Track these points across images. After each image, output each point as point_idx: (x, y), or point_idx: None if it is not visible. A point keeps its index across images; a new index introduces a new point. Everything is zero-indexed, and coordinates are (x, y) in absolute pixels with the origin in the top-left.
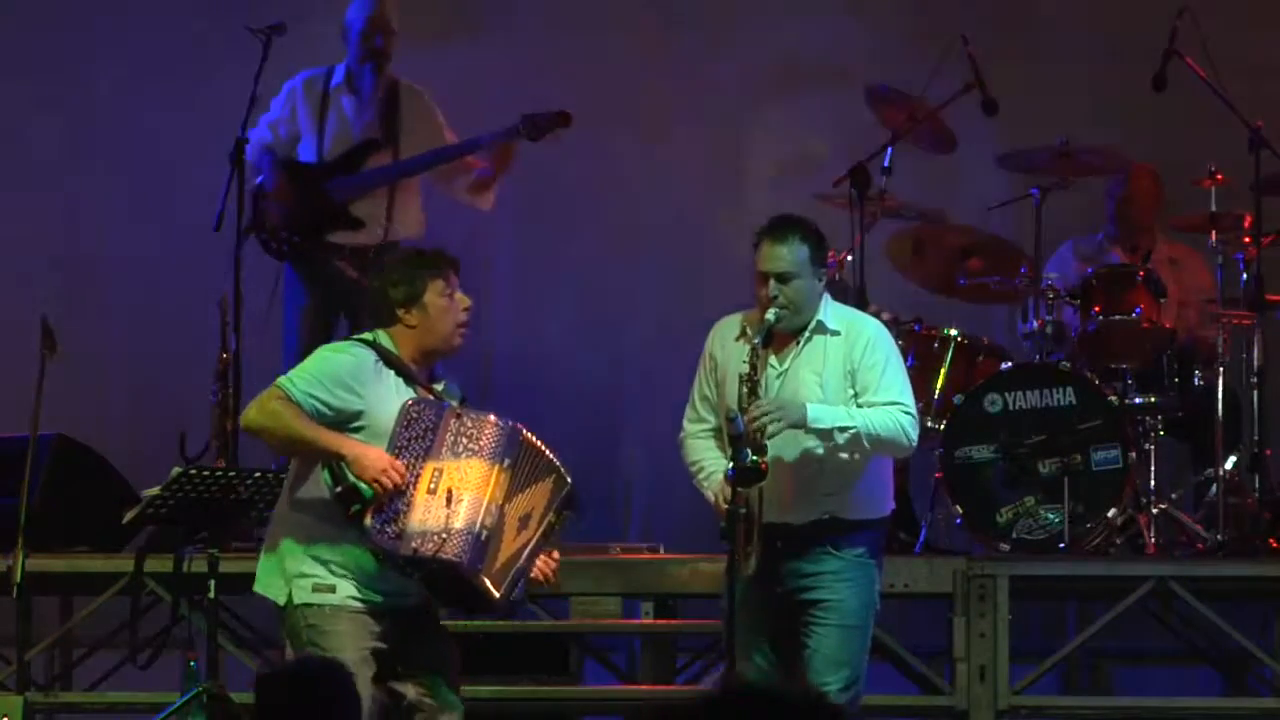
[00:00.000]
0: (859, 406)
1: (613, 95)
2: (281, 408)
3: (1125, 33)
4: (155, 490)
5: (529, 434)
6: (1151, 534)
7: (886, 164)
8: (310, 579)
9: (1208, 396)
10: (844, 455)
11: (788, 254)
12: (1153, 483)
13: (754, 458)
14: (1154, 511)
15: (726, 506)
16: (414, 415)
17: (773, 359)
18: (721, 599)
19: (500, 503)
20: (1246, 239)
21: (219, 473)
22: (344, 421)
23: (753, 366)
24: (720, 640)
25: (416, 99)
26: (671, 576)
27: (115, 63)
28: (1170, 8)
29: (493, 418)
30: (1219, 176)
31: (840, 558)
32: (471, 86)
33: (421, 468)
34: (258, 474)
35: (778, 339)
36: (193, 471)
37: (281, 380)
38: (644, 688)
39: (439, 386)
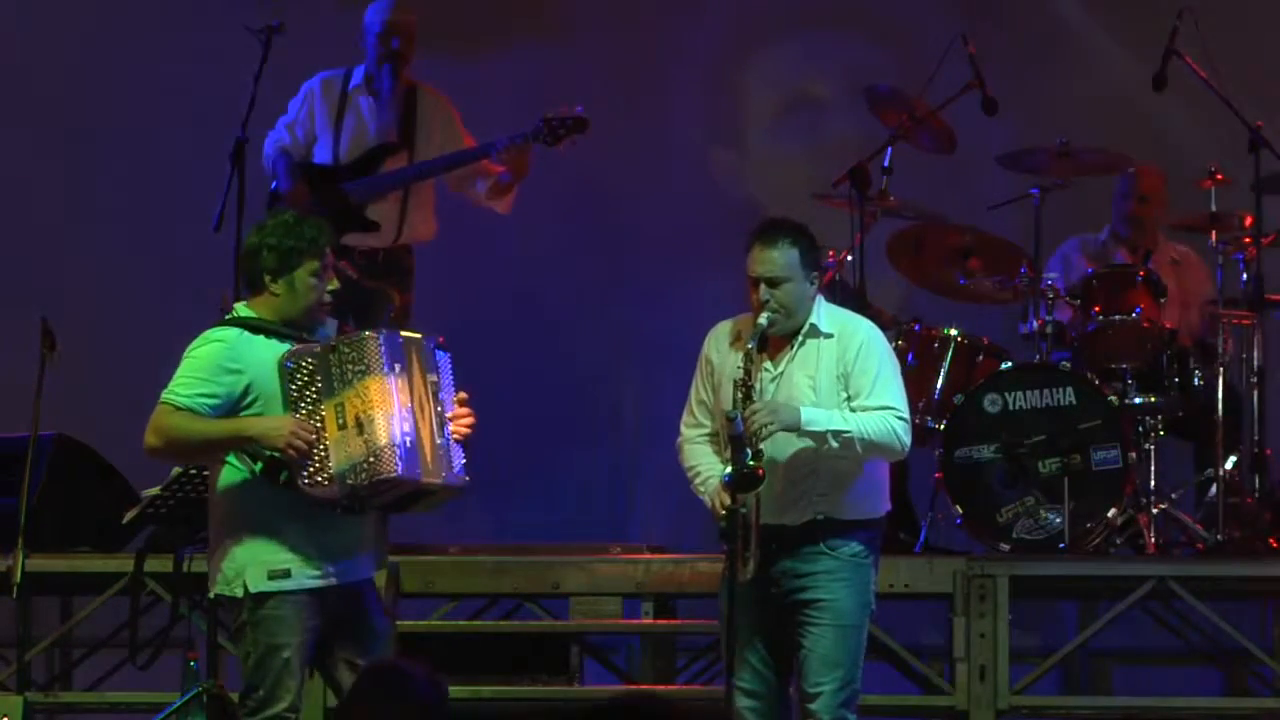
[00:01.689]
0: (852, 410)
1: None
2: (174, 420)
3: (1125, 33)
4: (155, 490)
5: (406, 333)
6: (1151, 534)
7: (886, 164)
8: (265, 565)
9: (1208, 396)
10: (838, 457)
11: (778, 258)
12: (1153, 483)
13: (751, 462)
14: (1154, 511)
15: (723, 511)
16: (293, 366)
17: (767, 363)
18: (719, 602)
19: (408, 405)
20: (1246, 239)
21: None
22: (237, 404)
23: (747, 370)
24: (719, 641)
25: (434, 102)
26: (671, 576)
27: (115, 63)
28: (1170, 8)
29: (369, 334)
30: (1219, 176)
31: (835, 558)
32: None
33: (324, 410)
34: None
35: (772, 342)
36: (193, 471)
37: (165, 395)
38: (644, 688)
39: (323, 333)
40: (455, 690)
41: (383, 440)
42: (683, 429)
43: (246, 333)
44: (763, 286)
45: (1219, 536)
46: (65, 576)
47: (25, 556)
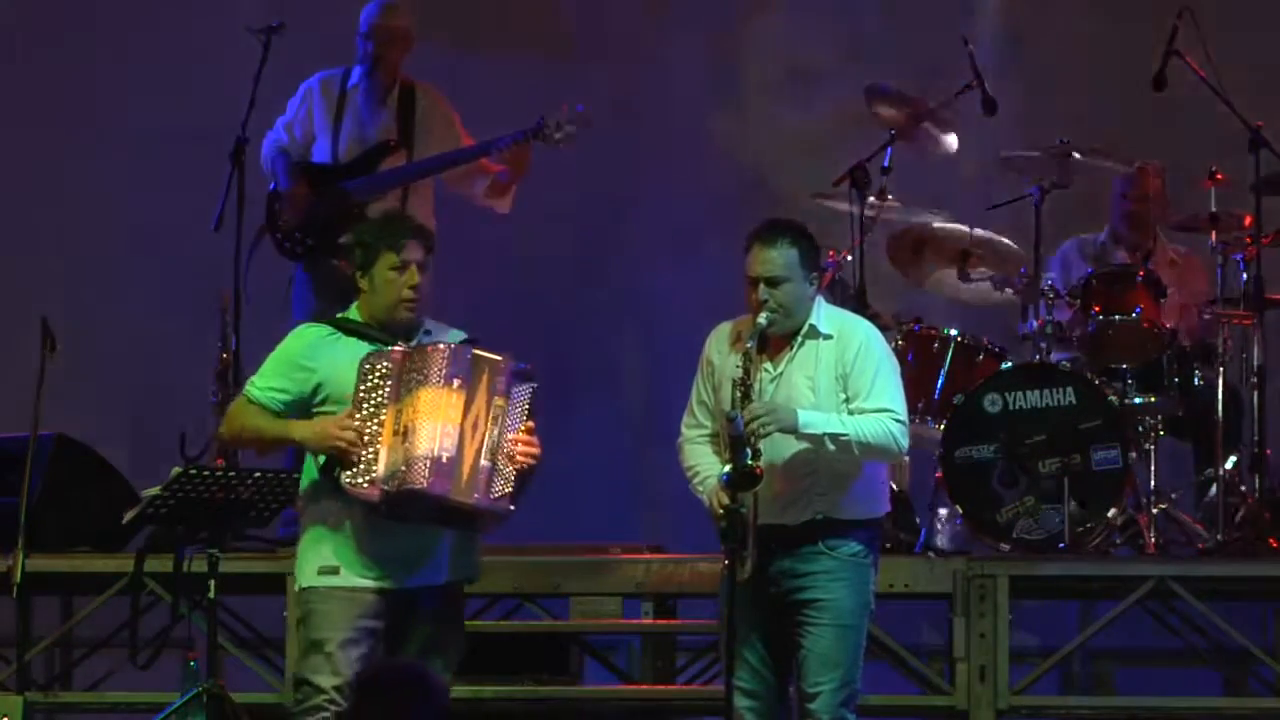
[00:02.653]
0: (850, 412)
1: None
2: (240, 411)
3: (1125, 33)
4: (155, 490)
5: (479, 350)
6: (1151, 534)
7: (886, 164)
8: (315, 562)
9: (1208, 396)
10: (836, 458)
11: (777, 257)
12: (1153, 483)
13: (749, 462)
14: (1154, 511)
15: (721, 510)
16: (367, 368)
17: (767, 364)
18: (719, 602)
19: (458, 421)
20: (1247, 239)
21: (219, 473)
22: (309, 399)
23: (746, 370)
24: (719, 641)
25: (433, 101)
26: (671, 576)
27: (115, 63)
28: (1170, 8)
29: (440, 345)
30: (1219, 176)
31: (834, 557)
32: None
33: (385, 415)
34: (258, 474)
35: (772, 343)
36: (193, 471)
37: (246, 386)
38: (644, 687)
39: (425, 339)
40: (455, 690)
41: (419, 451)
42: (683, 429)
43: (337, 332)
44: (762, 286)
45: (1219, 536)
46: (65, 576)
47: (25, 556)
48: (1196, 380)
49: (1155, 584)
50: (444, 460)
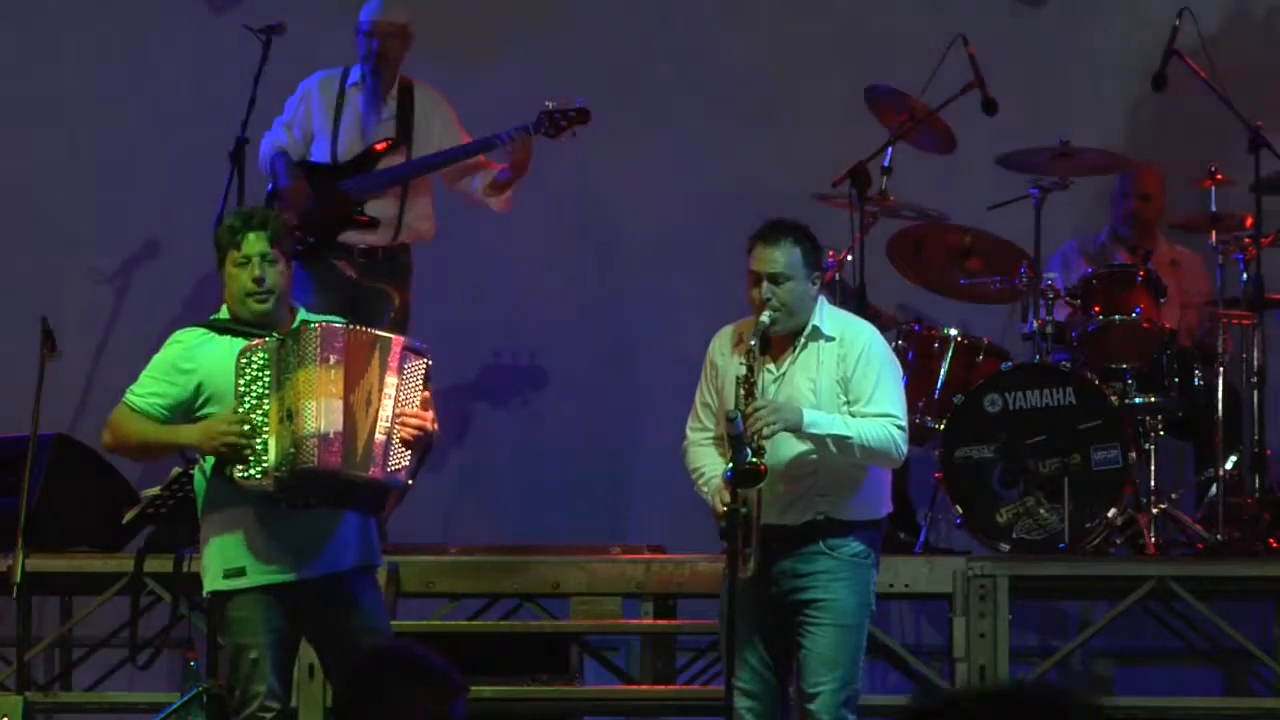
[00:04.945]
0: (851, 415)
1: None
2: (123, 421)
3: (1125, 33)
4: (155, 490)
5: (354, 325)
6: (1151, 534)
7: (886, 164)
8: (220, 564)
9: (1208, 396)
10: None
11: (780, 256)
12: (1153, 483)
13: (753, 459)
14: (1154, 511)
15: (724, 509)
16: (244, 361)
17: (770, 364)
18: (720, 601)
19: (341, 396)
20: (1247, 239)
21: None
22: (191, 401)
23: (750, 368)
24: (719, 641)
25: (431, 99)
26: (671, 576)
27: (115, 62)
28: (1170, 8)
29: (313, 325)
30: (1219, 176)
31: (835, 558)
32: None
33: (269, 403)
34: None
35: (775, 343)
36: (193, 471)
37: (125, 394)
38: (644, 688)
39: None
40: None
41: (305, 430)
42: (688, 432)
43: (210, 332)
44: (765, 284)
45: (1219, 536)
46: (65, 576)
47: (25, 556)
48: (1196, 380)
49: (1155, 584)
50: (331, 436)
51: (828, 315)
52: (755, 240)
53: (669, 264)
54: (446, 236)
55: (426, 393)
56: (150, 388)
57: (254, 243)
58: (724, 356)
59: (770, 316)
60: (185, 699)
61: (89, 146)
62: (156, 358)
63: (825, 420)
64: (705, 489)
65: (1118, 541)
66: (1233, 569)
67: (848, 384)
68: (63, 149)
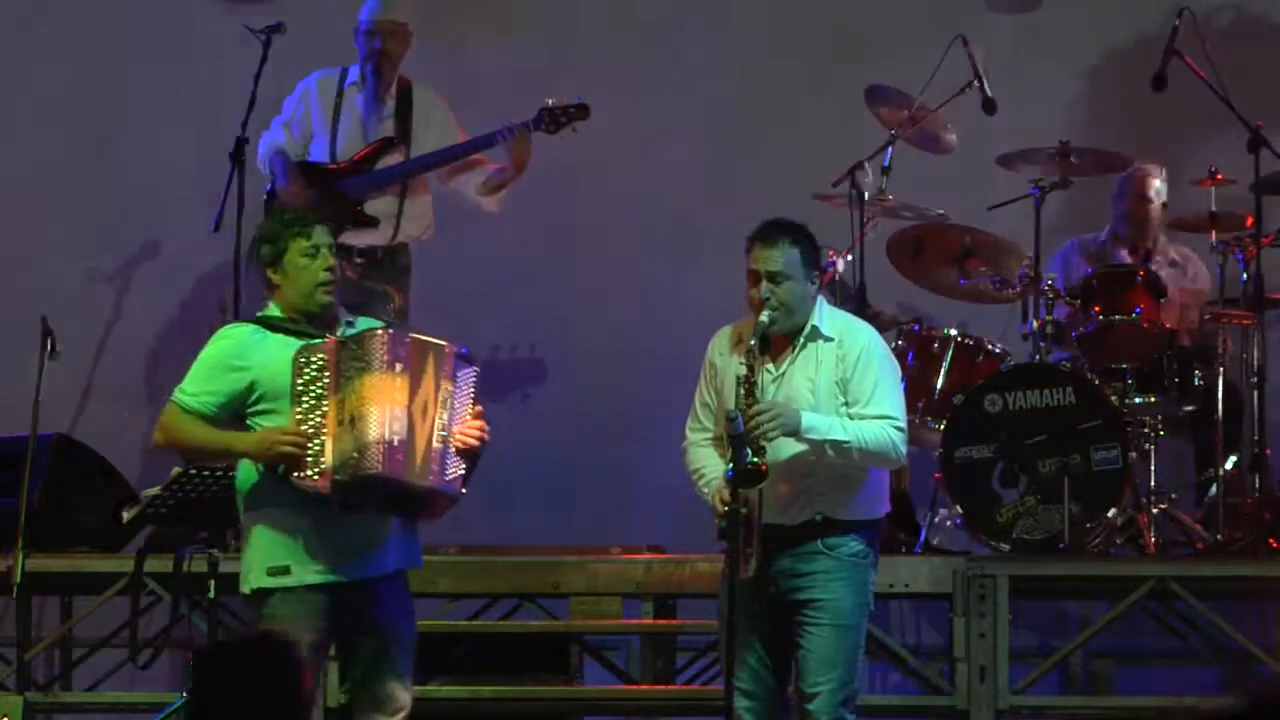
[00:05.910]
0: (850, 417)
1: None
2: (174, 420)
3: (1125, 33)
4: (155, 490)
5: (424, 336)
6: (1151, 534)
7: (886, 164)
8: (264, 563)
9: (1208, 397)
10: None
11: (779, 255)
12: (1153, 483)
13: (754, 459)
14: (1154, 511)
15: (725, 509)
16: (303, 361)
17: (769, 364)
18: (719, 601)
19: (405, 404)
20: (1247, 239)
21: (219, 473)
22: (242, 401)
23: (750, 368)
24: (719, 641)
25: (429, 99)
26: (671, 576)
27: (116, 62)
28: (1170, 8)
29: (377, 331)
30: (1219, 176)
31: (833, 557)
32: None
33: (327, 406)
34: None
35: (775, 343)
36: (193, 471)
37: (174, 393)
38: (644, 688)
39: (349, 330)
40: (455, 690)
41: (370, 437)
42: (687, 432)
43: (262, 330)
44: (764, 283)
45: (1219, 536)
46: (65, 576)
47: (25, 556)
48: (1196, 380)
49: (1155, 584)
50: (395, 444)
51: (827, 315)
52: (754, 240)
53: (669, 263)
54: (446, 235)
55: (478, 405)
56: (201, 385)
57: (323, 234)
58: (723, 357)
59: (769, 316)
60: (185, 699)
61: (89, 146)
62: (204, 354)
63: (824, 425)
64: (705, 489)
65: (1118, 541)
66: (1233, 569)
67: (846, 385)
68: (63, 148)
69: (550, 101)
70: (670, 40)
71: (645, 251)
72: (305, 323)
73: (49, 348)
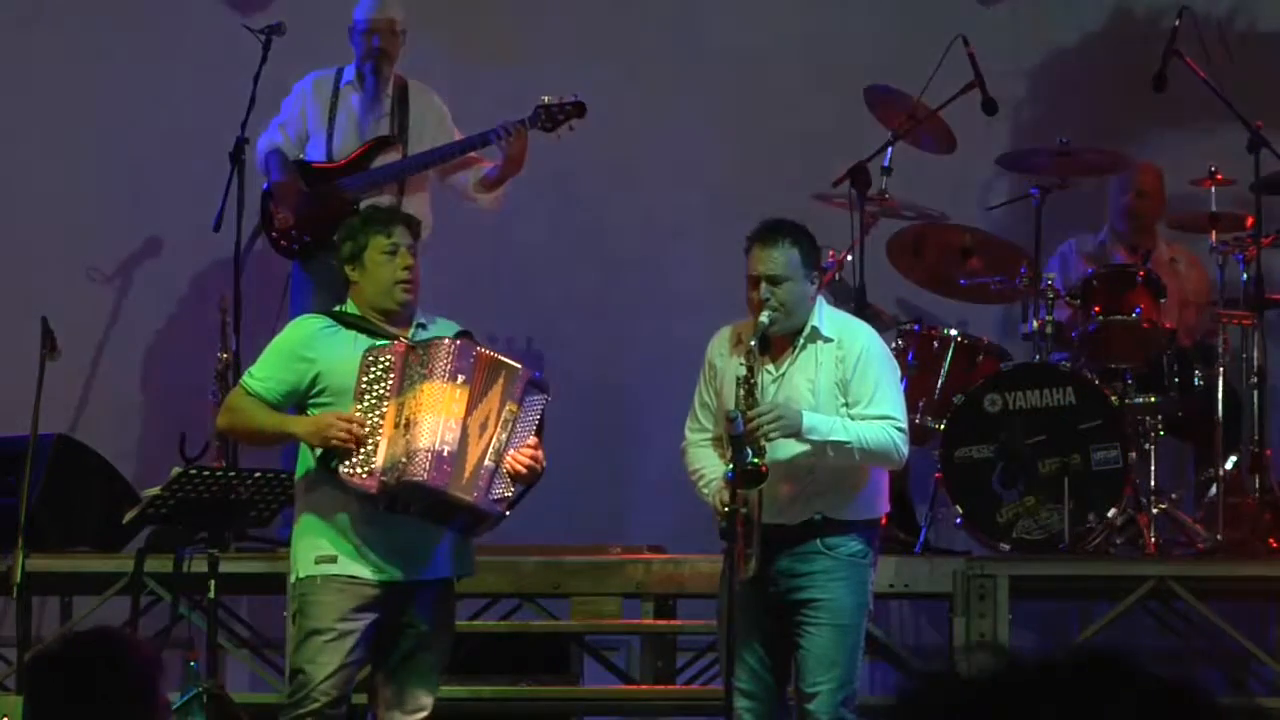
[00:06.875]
0: (851, 418)
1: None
2: (238, 403)
3: (1125, 33)
4: (155, 490)
5: (482, 347)
6: (1151, 534)
7: (886, 164)
8: (313, 551)
9: (1208, 396)
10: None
11: (778, 256)
12: (1153, 483)
13: (754, 459)
14: (1154, 511)
15: (725, 509)
16: (370, 360)
17: (769, 365)
18: (719, 601)
19: (461, 416)
20: (1247, 239)
21: (219, 473)
22: (308, 389)
23: (750, 368)
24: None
25: (425, 97)
26: (671, 576)
27: (115, 62)
28: (1170, 8)
29: (445, 340)
30: (1219, 176)
31: (832, 557)
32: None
33: (387, 407)
34: (258, 474)
35: (775, 344)
36: (193, 471)
37: (244, 376)
38: (644, 688)
39: (421, 333)
40: (455, 690)
41: (421, 444)
42: (687, 433)
43: (335, 324)
44: (763, 285)
45: (1219, 536)
46: (65, 576)
47: (25, 556)
48: (1196, 380)
49: (1155, 584)
50: (445, 454)
51: (826, 316)
52: (753, 241)
53: (669, 263)
54: (445, 235)
55: (539, 436)
56: (269, 371)
57: (403, 233)
58: (722, 357)
59: (769, 317)
60: (185, 699)
61: (89, 146)
62: (276, 341)
63: (825, 425)
64: (705, 490)
65: (1118, 541)
66: (1233, 569)
67: (846, 386)
68: (62, 148)
69: (547, 99)
70: (670, 40)
71: (645, 251)
72: (382, 320)
73: (49, 348)
